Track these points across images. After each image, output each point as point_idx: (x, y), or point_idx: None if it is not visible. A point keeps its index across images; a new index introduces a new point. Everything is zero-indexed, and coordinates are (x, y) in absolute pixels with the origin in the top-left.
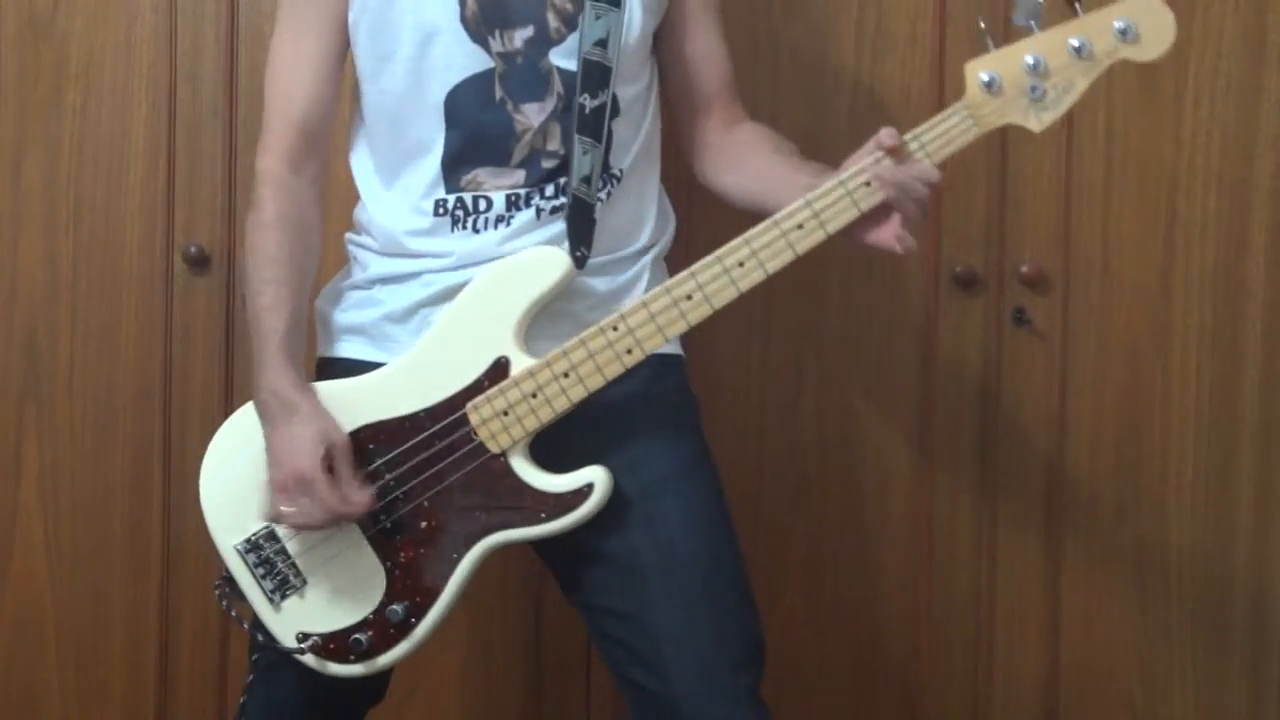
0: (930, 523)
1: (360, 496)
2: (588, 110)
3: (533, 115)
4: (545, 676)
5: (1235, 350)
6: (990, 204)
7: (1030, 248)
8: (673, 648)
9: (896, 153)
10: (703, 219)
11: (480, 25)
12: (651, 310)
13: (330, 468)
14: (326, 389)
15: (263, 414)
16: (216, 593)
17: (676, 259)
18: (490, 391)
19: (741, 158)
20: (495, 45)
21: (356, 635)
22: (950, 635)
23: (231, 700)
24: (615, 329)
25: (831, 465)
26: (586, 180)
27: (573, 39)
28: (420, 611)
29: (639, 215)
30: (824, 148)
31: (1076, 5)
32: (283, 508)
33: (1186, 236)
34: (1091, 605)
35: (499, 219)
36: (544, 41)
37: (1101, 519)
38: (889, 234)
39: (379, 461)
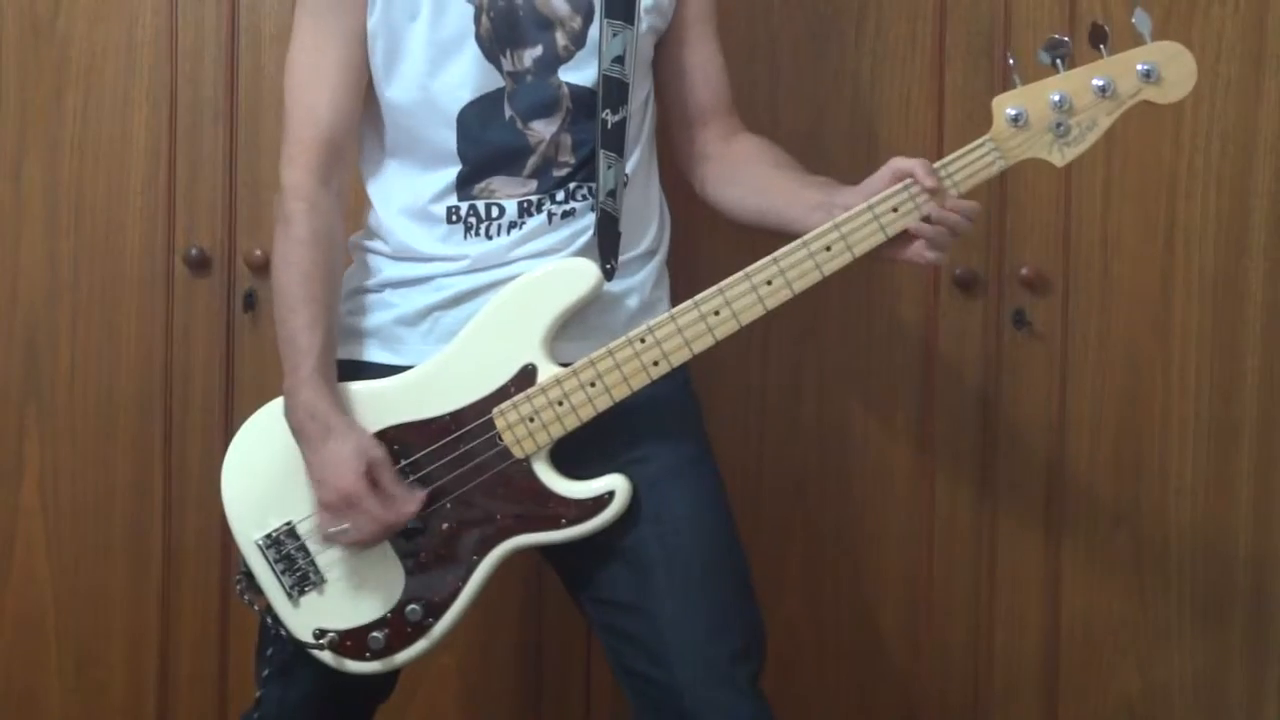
0: (930, 524)
1: (410, 506)
2: (610, 125)
3: (543, 130)
4: (545, 676)
5: (1234, 351)
6: (990, 206)
7: (1030, 250)
8: (676, 637)
9: (937, 193)
10: (705, 220)
11: (493, 44)
12: (679, 324)
13: (374, 481)
14: (352, 390)
15: (299, 433)
16: (237, 587)
17: (679, 262)
18: (517, 397)
19: (742, 171)
20: (506, 65)
21: (374, 633)
22: (950, 635)
23: (232, 700)
24: (643, 341)
25: (831, 466)
26: (611, 194)
27: (580, 56)
28: (438, 611)
29: (645, 216)
30: (824, 148)
31: (1101, 47)
32: (332, 529)
33: (1186, 238)
34: (1091, 605)
35: (511, 224)
36: (553, 60)
37: (1101, 520)
38: (914, 250)
39: (403, 463)
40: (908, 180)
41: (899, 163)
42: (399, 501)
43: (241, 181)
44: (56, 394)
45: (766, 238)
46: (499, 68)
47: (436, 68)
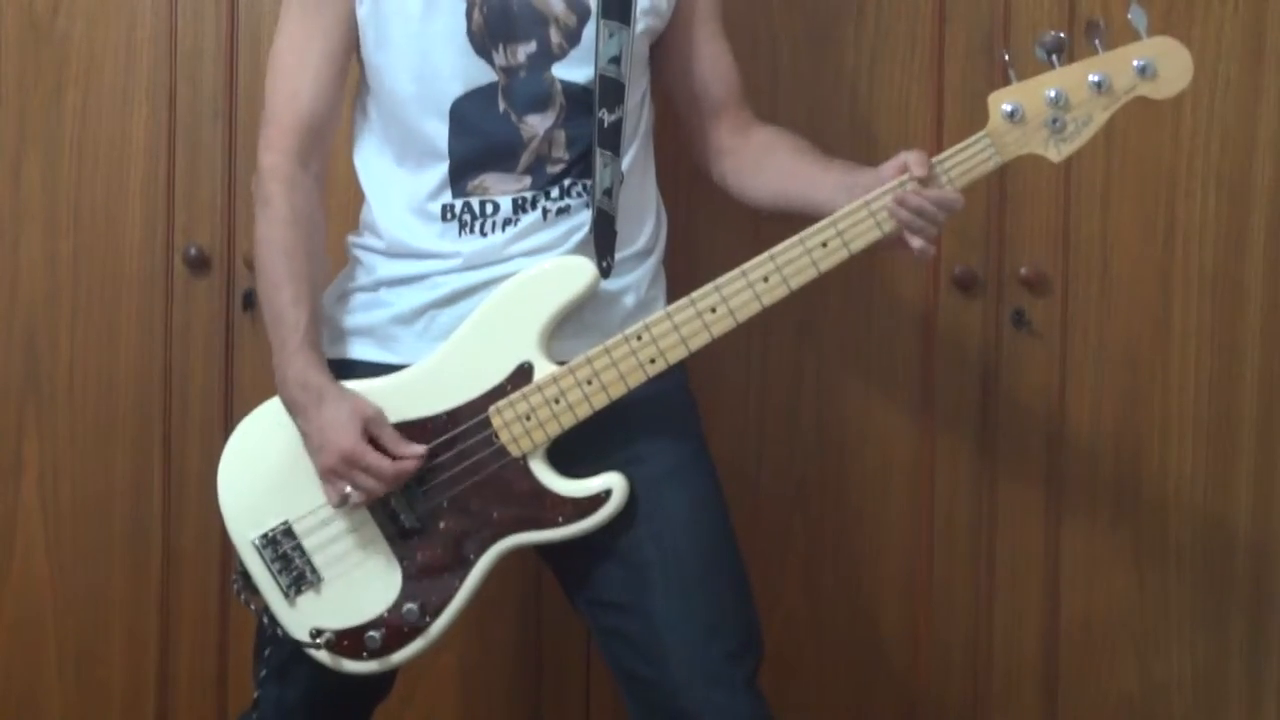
0: (930, 523)
1: (413, 449)
2: (606, 125)
3: (537, 125)
4: (545, 676)
5: (1234, 350)
6: (989, 205)
7: (1029, 249)
8: (671, 637)
9: (927, 182)
10: (704, 220)
11: (485, 39)
12: (675, 321)
13: (371, 439)
14: (347, 389)
15: (293, 406)
16: (234, 587)
17: (680, 261)
18: (513, 395)
19: (761, 161)
20: (499, 59)
21: (371, 632)
22: (950, 636)
23: (232, 700)
24: (639, 338)
25: (831, 466)
26: (608, 192)
27: (574, 54)
28: (435, 610)
29: (641, 215)
30: (823, 147)
31: (1096, 42)
32: (346, 489)
33: (1186, 237)
34: (1091, 603)
35: (506, 221)
36: (546, 56)
37: (1100, 520)
38: (903, 246)
39: None
40: (904, 176)
41: (903, 156)
42: (402, 450)
43: (241, 181)
44: (56, 393)
45: (766, 239)
46: (490, 62)
47: (426, 60)
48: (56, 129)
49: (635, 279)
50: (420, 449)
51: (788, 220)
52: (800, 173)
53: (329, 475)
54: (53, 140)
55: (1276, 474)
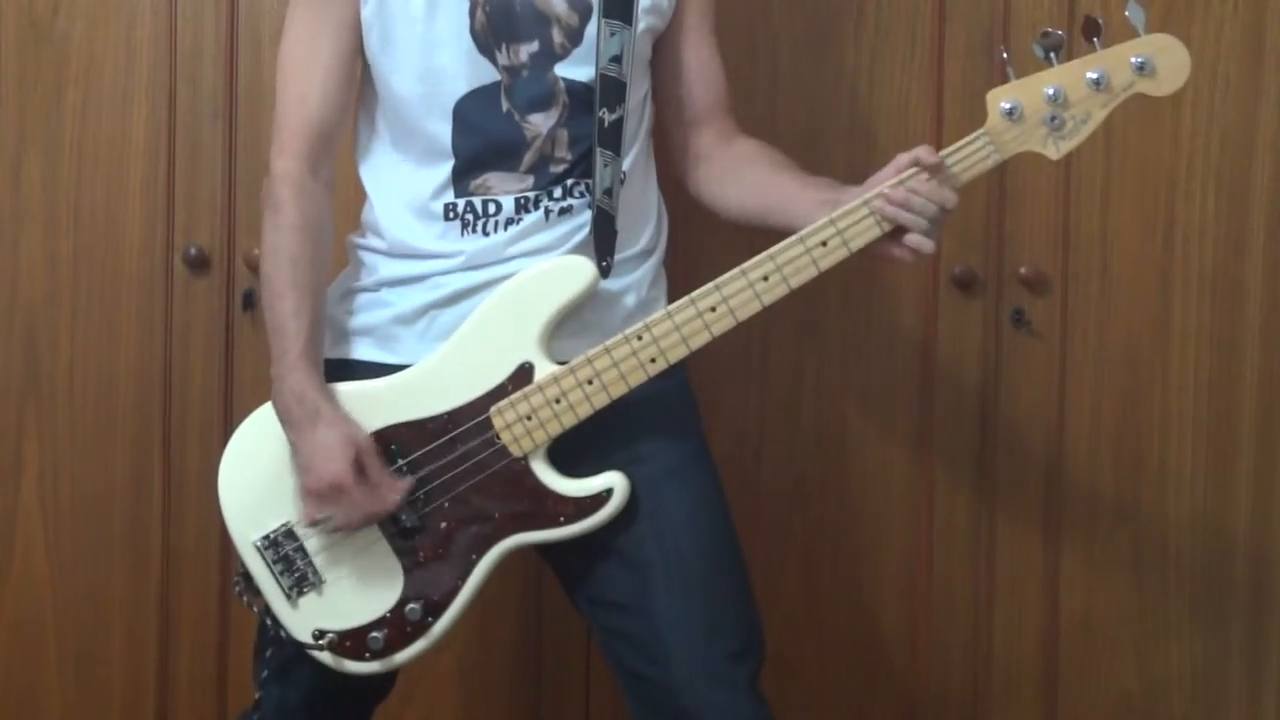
0: (929, 524)
1: (394, 494)
2: (607, 124)
3: (540, 124)
4: (545, 676)
5: (1234, 350)
6: (989, 205)
7: (1029, 249)
8: (673, 637)
9: (938, 171)
10: (705, 220)
11: (488, 39)
12: (676, 321)
13: (360, 469)
14: (347, 390)
15: (286, 419)
16: (236, 589)
17: (680, 261)
18: (514, 396)
19: (739, 172)
20: (502, 59)
21: (374, 633)
22: (949, 635)
23: (232, 700)
24: (640, 338)
25: (830, 466)
26: (608, 192)
27: (577, 53)
28: (437, 611)
29: (642, 215)
30: (823, 147)
31: (1095, 40)
32: (319, 515)
33: (1185, 237)
34: (1090, 603)
35: (509, 221)
36: (549, 55)
37: (1100, 520)
38: (906, 242)
39: (400, 462)
40: (905, 174)
41: (901, 157)
42: (385, 491)
43: (240, 181)
44: (56, 393)
45: (765, 239)
46: (494, 62)
47: (430, 60)
48: (56, 129)
49: (636, 279)
50: (404, 488)
51: (767, 235)
52: (777, 188)
53: (311, 496)
54: (53, 140)
55: (1276, 474)
